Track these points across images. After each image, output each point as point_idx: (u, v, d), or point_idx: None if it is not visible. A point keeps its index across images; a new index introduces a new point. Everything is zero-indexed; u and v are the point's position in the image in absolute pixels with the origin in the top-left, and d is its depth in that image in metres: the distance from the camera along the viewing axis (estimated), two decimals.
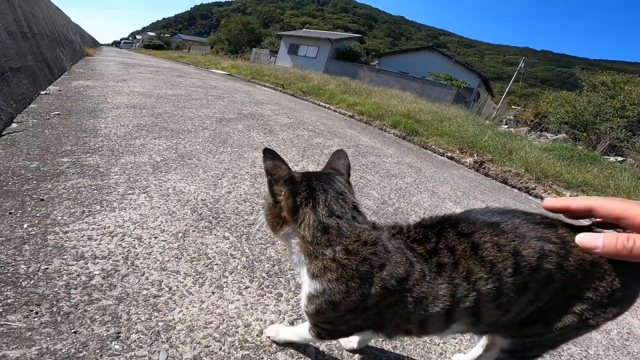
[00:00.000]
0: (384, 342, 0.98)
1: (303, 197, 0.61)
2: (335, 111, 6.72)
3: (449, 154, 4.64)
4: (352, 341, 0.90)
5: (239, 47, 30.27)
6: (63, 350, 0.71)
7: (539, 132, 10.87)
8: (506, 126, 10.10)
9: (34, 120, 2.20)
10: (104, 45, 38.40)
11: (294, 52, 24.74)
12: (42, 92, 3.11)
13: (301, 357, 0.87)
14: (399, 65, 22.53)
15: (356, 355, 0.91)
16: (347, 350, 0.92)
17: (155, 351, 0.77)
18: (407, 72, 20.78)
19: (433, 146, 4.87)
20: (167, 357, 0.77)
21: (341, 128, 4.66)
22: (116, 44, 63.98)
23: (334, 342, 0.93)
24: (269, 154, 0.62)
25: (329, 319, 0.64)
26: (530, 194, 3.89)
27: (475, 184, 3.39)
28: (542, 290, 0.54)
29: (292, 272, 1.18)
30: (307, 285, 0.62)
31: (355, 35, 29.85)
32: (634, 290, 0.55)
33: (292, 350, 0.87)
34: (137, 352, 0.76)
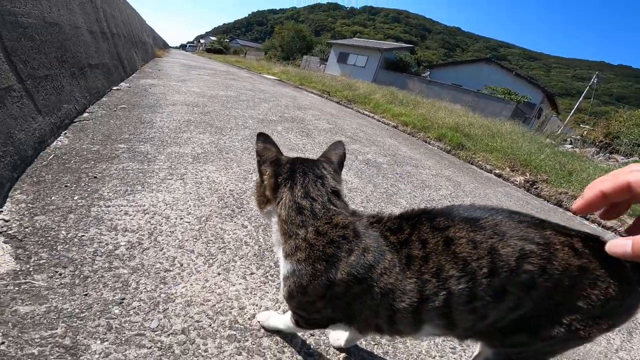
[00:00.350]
0: (375, 347, 0.95)
1: (284, 177, 0.63)
2: (379, 121, 6.65)
3: (497, 171, 4.32)
4: (340, 339, 0.88)
5: (290, 54, 31.50)
6: (68, 310, 0.80)
7: (607, 154, 9.66)
8: (570, 146, 9.14)
9: (103, 112, 2.52)
10: (173, 47, 42.18)
11: (343, 60, 25.03)
12: (114, 88, 3.54)
13: (286, 346, 0.87)
14: (452, 77, 21.62)
15: (342, 355, 0.89)
16: (334, 348, 0.90)
17: (149, 319, 0.83)
18: (460, 84, 19.86)
19: (480, 162, 4.58)
20: (157, 325, 0.82)
21: (381, 137, 4.59)
22: (183, 47, 69.98)
23: (323, 337, 0.92)
24: (262, 137, 0.66)
25: (301, 305, 0.64)
26: (587, 219, 3.47)
27: (522, 203, 3.11)
28: (524, 296, 0.48)
29: None
30: (282, 266, 0.64)
31: (406, 45, 29.35)
32: (635, 300, 0.47)
33: (278, 338, 0.88)
34: (132, 317, 0.82)
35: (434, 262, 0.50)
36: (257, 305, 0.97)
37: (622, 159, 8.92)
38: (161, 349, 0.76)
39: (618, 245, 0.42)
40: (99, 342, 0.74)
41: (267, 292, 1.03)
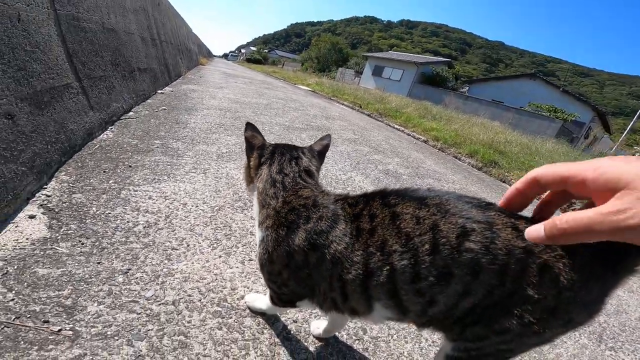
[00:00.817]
0: (355, 342, 0.96)
1: (265, 158, 0.73)
2: (409, 134, 6.55)
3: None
4: (320, 327, 0.92)
5: (326, 66, 32.13)
6: (79, 274, 0.91)
7: None
8: None
9: (146, 112, 2.78)
10: (216, 56, 44.76)
11: (378, 73, 25.04)
12: (159, 92, 3.88)
13: (266, 328, 0.92)
14: (493, 93, 20.72)
15: (320, 344, 0.92)
16: (314, 336, 0.93)
17: (146, 289, 0.92)
18: (502, 101, 18.94)
19: (513, 180, 4.35)
20: (152, 295, 0.91)
21: (407, 150, 4.54)
22: (225, 55, 73.90)
23: (304, 325, 0.96)
24: (250, 127, 0.77)
25: (271, 277, 0.70)
26: None
27: None
28: (472, 280, 0.47)
29: None
30: (257, 236, 0.72)
31: (444, 59, 28.75)
32: (595, 296, 0.44)
33: (261, 320, 0.93)
34: (132, 286, 0.92)
35: (378, 235, 0.52)
36: (248, 288, 1.04)
37: None
38: (149, 315, 0.84)
39: (532, 230, 0.42)
40: (95, 304, 0.83)
41: (260, 278, 1.10)
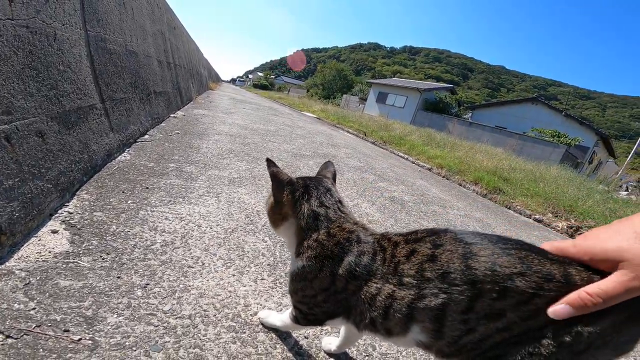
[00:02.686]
0: (365, 358, 0.97)
1: (300, 193, 0.75)
2: (413, 162, 6.63)
3: (537, 216, 4.06)
4: (332, 343, 0.93)
5: (331, 93, 32.96)
6: (100, 287, 0.95)
7: None
8: (626, 192, 8.28)
9: (160, 135, 2.90)
10: (224, 81, 46.25)
11: (382, 100, 25.58)
12: (172, 115, 4.04)
13: (279, 343, 0.94)
14: (496, 119, 20.97)
15: None
16: (325, 351, 0.94)
17: (163, 303, 0.96)
18: (505, 126, 19.13)
19: (518, 206, 4.35)
20: (169, 309, 0.94)
21: (412, 177, 4.60)
22: (233, 81, 76.11)
23: (315, 341, 0.98)
24: (272, 164, 0.79)
25: (304, 299, 0.73)
26: None
27: None
28: (520, 322, 0.50)
29: None
30: (292, 264, 0.75)
31: (446, 85, 29.47)
32: (629, 335, 0.47)
33: (273, 335, 0.96)
34: (151, 300, 0.95)
35: (439, 265, 0.56)
36: (261, 305, 1.07)
37: None
38: (166, 328, 0.87)
39: (557, 311, 0.47)
40: (115, 316, 0.87)
41: (273, 296, 1.13)
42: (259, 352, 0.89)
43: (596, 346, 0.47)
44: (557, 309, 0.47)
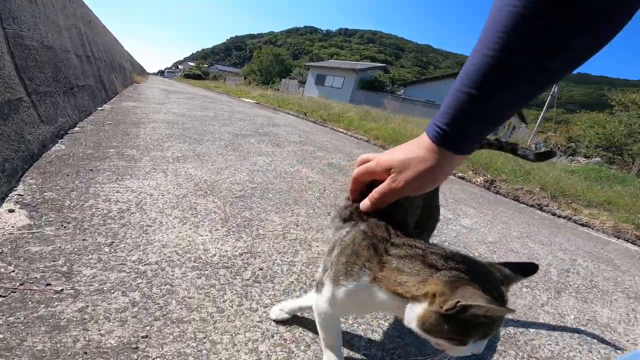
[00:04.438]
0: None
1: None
2: (352, 136, 7.14)
3: (459, 174, 4.82)
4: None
5: (270, 78, 32.39)
6: (69, 249, 1.09)
7: (570, 157, 10.47)
8: None
9: (92, 127, 2.84)
10: (151, 74, 42.12)
11: (320, 82, 26.01)
12: (99, 109, 3.86)
13: (238, 274, 1.20)
14: (426, 94, 22.84)
15: (287, 283, 1.24)
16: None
17: (131, 254, 1.14)
18: (434, 100, 21.01)
19: None
20: (137, 259, 1.12)
21: (349, 148, 5.04)
22: (161, 73, 69.34)
23: (269, 272, 1.28)
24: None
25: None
26: (543, 210, 3.97)
27: (475, 196, 3.58)
28: None
29: (258, 224, 1.54)
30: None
31: (380, 65, 30.92)
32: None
33: (232, 269, 1.19)
34: (119, 253, 1.13)
35: None
36: (219, 249, 1.29)
37: (585, 160, 9.72)
38: (137, 273, 1.05)
39: (363, 204, 0.62)
40: (89, 269, 1.02)
41: (228, 241, 1.36)
42: (222, 282, 1.10)
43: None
44: (363, 204, 0.62)
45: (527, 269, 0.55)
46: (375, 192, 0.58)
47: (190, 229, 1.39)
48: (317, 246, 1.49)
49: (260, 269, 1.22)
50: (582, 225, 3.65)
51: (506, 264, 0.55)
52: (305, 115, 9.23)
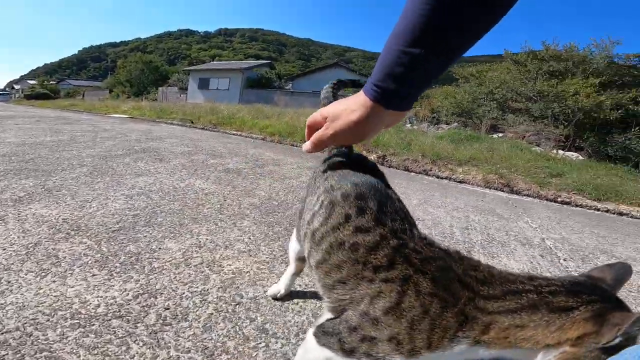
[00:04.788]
0: None
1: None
2: (247, 137, 6.97)
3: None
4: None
5: (143, 88, 28.58)
6: None
7: (436, 125, 12.62)
8: (410, 125, 11.53)
9: None
10: None
11: (204, 86, 24.43)
12: None
13: (140, 321, 1.02)
14: (311, 85, 23.83)
15: (199, 320, 1.14)
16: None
17: None
18: (319, 90, 22.21)
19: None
20: None
21: (245, 149, 4.91)
22: None
23: (179, 307, 1.13)
24: None
25: None
26: (429, 175, 4.64)
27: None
28: None
29: (149, 256, 1.36)
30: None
31: (265, 61, 30.94)
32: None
33: (130, 317, 0.99)
34: None
35: None
36: (103, 297, 1.06)
37: (447, 126, 11.81)
38: None
39: (305, 146, 0.67)
40: None
41: (113, 285, 1.13)
42: (120, 335, 0.90)
43: None
44: (304, 146, 0.67)
45: (620, 270, 0.53)
46: (314, 137, 0.64)
47: (54, 281, 1.12)
48: (230, 265, 1.36)
49: (167, 309, 1.05)
50: (460, 182, 4.45)
51: (597, 270, 0.54)
52: (192, 122, 8.56)
